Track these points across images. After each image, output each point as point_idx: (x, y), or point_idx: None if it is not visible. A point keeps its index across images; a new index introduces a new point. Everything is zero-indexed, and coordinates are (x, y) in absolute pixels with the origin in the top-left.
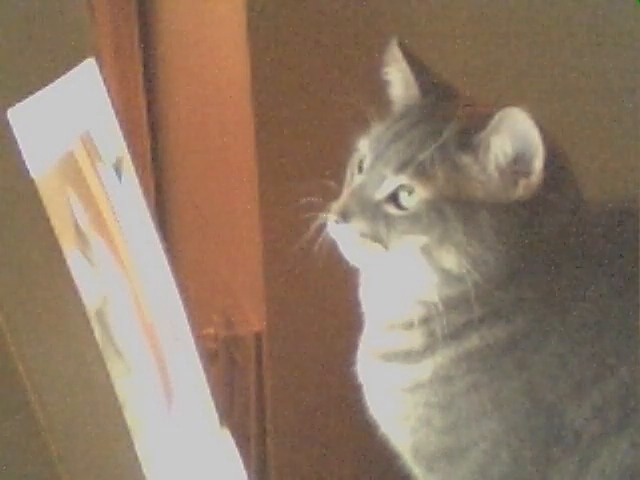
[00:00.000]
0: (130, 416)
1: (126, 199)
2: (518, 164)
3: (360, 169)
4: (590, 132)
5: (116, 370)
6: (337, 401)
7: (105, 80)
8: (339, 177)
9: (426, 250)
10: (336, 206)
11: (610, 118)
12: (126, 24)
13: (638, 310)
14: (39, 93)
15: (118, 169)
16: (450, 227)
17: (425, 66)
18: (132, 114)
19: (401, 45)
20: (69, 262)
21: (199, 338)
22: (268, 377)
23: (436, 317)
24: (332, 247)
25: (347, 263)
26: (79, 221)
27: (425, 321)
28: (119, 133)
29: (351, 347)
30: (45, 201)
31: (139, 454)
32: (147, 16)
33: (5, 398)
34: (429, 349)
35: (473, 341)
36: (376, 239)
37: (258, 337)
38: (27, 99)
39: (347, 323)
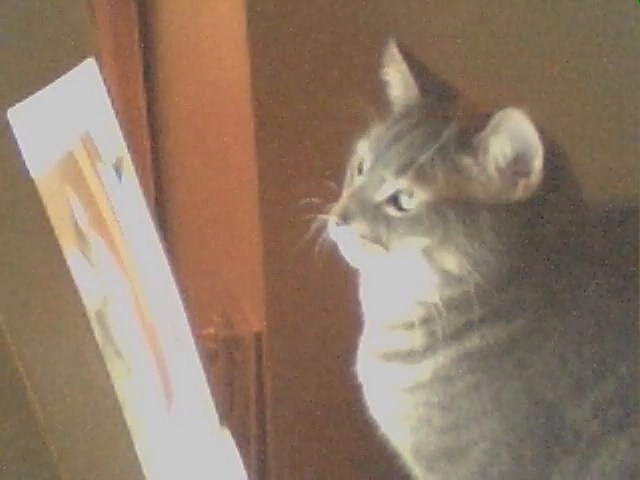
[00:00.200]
0: (130, 416)
1: (126, 199)
2: (518, 164)
3: (360, 170)
4: (590, 132)
5: (116, 370)
6: (337, 401)
7: (105, 80)
8: (339, 177)
9: (427, 252)
10: (336, 208)
11: (610, 118)
12: (126, 24)
13: (638, 310)
14: (39, 93)
15: (118, 169)
16: (451, 228)
17: (424, 66)
18: (132, 114)
19: (399, 45)
20: (69, 262)
21: (199, 338)
22: (268, 377)
23: (437, 317)
24: (332, 247)
25: (347, 263)
26: (79, 221)
27: (425, 321)
28: (119, 133)
29: (351, 347)
30: (45, 201)
31: (139, 454)
32: (147, 16)
33: (5, 398)
34: (429, 349)
35: (474, 341)
36: (377, 241)
37: (258, 337)
38: (27, 99)
39: (347, 323)
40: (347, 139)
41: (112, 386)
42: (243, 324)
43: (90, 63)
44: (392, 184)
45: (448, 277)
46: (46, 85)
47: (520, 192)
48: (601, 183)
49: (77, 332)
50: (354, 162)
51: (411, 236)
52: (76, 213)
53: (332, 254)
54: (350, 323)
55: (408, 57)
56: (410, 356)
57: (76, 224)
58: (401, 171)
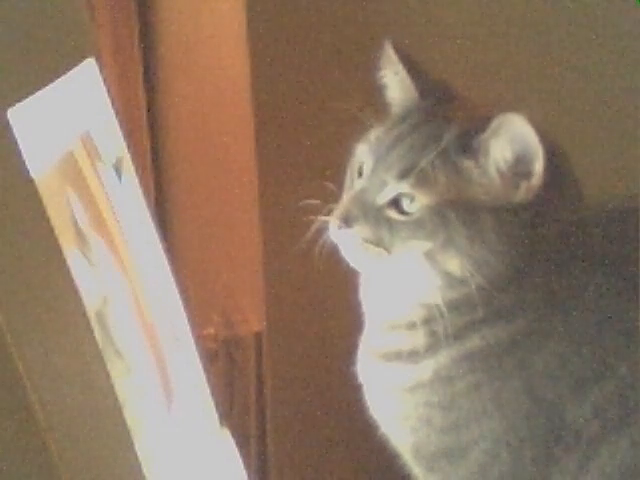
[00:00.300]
0: (130, 416)
1: (126, 199)
2: (519, 167)
3: (360, 173)
4: (590, 132)
5: (116, 370)
6: (337, 401)
7: (105, 80)
8: (339, 177)
9: (429, 254)
10: (338, 211)
11: (610, 118)
12: (126, 24)
13: (638, 310)
14: (39, 93)
15: (118, 169)
16: (453, 231)
17: (422, 67)
18: (132, 114)
19: (396, 47)
20: (69, 262)
21: (199, 338)
22: (268, 377)
23: (438, 318)
24: (332, 247)
25: (347, 264)
26: (79, 221)
27: (427, 322)
28: (119, 133)
29: (351, 347)
30: (45, 201)
31: (139, 454)
32: (147, 16)
33: (5, 398)
34: (430, 349)
35: (474, 341)
36: (379, 244)
37: (258, 337)
38: (27, 99)
39: (347, 323)
40: (347, 139)
41: (112, 386)
42: (243, 324)
43: (90, 63)
44: (394, 188)
45: (450, 279)
46: (46, 85)
47: (522, 194)
48: (601, 183)
49: (77, 332)
50: (354, 165)
51: (413, 239)
52: (76, 213)
53: (332, 254)
54: (350, 323)
55: (405, 59)
56: (411, 356)
57: (76, 224)
58: (402, 175)
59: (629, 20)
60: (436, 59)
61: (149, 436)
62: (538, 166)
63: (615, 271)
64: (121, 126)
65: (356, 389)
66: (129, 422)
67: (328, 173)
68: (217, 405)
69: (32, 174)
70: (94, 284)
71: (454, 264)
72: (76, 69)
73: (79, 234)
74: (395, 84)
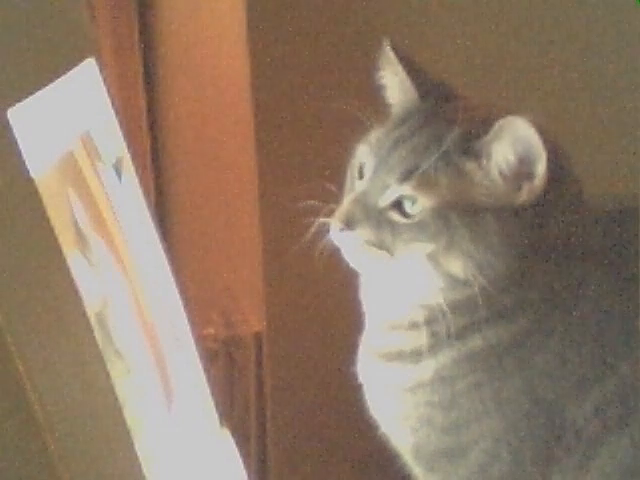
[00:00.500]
0: (130, 416)
1: (126, 199)
2: (521, 170)
3: (361, 175)
4: (590, 132)
5: (116, 370)
6: (337, 401)
7: (105, 80)
8: (339, 177)
9: (432, 256)
10: (339, 213)
11: (610, 118)
12: (126, 24)
13: (638, 310)
14: (39, 93)
15: (118, 169)
16: (456, 233)
17: (421, 67)
18: (132, 114)
19: (395, 47)
20: (69, 262)
21: (199, 338)
22: (268, 377)
23: (441, 319)
24: (332, 248)
25: (347, 263)
26: (79, 221)
27: (428, 322)
28: (119, 133)
29: (351, 347)
30: (45, 201)
31: (139, 454)
32: (147, 16)
33: (5, 398)
34: (431, 349)
35: (476, 341)
36: (381, 246)
37: (258, 337)
38: (27, 99)
39: (347, 323)
40: (347, 139)
41: (112, 386)
42: (243, 324)
43: (90, 63)
44: (395, 190)
45: (453, 281)
46: (46, 85)
47: (524, 196)
48: (601, 183)
49: (77, 332)
50: (354, 166)
51: (416, 241)
52: (76, 213)
53: (332, 254)
54: (350, 323)
55: (404, 59)
56: (412, 356)
57: (76, 224)
58: (404, 177)
59: (629, 20)
60: (436, 59)
61: (149, 436)
62: (541, 168)
63: (615, 271)
64: (121, 126)
65: (356, 389)
66: (129, 422)
67: (328, 173)
68: (217, 405)
69: (32, 174)
70: (94, 284)
71: (457, 266)
72: (76, 69)
73: (79, 234)
74: (394, 85)
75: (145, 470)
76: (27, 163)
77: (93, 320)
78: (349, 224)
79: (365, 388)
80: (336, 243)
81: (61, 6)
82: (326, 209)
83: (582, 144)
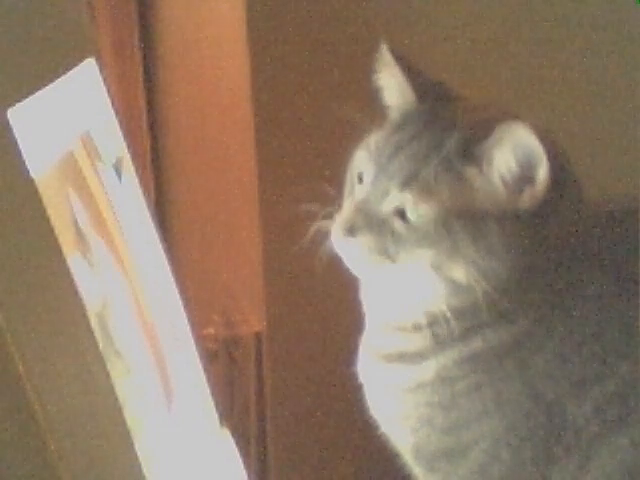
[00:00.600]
0: (130, 416)
1: (126, 199)
2: (522, 175)
3: (360, 180)
4: (590, 132)
5: (116, 370)
6: (337, 401)
7: (105, 80)
8: (339, 178)
9: (435, 263)
10: (341, 220)
11: (610, 118)
12: (126, 24)
13: (638, 310)
14: (39, 93)
15: (118, 169)
16: (458, 240)
17: (418, 69)
18: (132, 114)
19: (392, 49)
20: (69, 262)
21: (199, 338)
22: (268, 377)
23: (443, 323)
24: (332, 248)
25: None
26: (79, 221)
27: (430, 325)
28: (119, 133)
29: (351, 347)
30: (45, 201)
31: (139, 454)
32: (147, 16)
33: (5, 398)
34: (432, 351)
35: (477, 343)
36: (383, 253)
37: (258, 337)
38: (27, 99)
39: (347, 323)
40: (347, 139)
41: (112, 386)
42: (243, 324)
43: (90, 63)
44: (396, 197)
45: (456, 287)
46: (46, 85)
47: (526, 201)
48: (601, 183)
49: (77, 332)
50: (353, 170)
51: (418, 248)
52: (76, 213)
53: (332, 254)
54: (350, 323)
55: (401, 61)
56: (412, 357)
57: (76, 224)
58: (405, 184)
59: (629, 20)
60: (435, 60)
61: (149, 436)
62: (542, 173)
63: (615, 271)
64: (121, 126)
65: (356, 389)
66: (129, 422)
67: (328, 173)
68: (217, 405)
69: (32, 174)
70: (94, 284)
71: (460, 272)
72: (76, 69)
73: (79, 234)
74: (392, 87)
75: (145, 470)
76: (27, 163)
77: (93, 320)
78: (351, 232)
79: (365, 388)
80: (337, 251)
81: (61, 6)
82: (325, 211)
83: (582, 145)
